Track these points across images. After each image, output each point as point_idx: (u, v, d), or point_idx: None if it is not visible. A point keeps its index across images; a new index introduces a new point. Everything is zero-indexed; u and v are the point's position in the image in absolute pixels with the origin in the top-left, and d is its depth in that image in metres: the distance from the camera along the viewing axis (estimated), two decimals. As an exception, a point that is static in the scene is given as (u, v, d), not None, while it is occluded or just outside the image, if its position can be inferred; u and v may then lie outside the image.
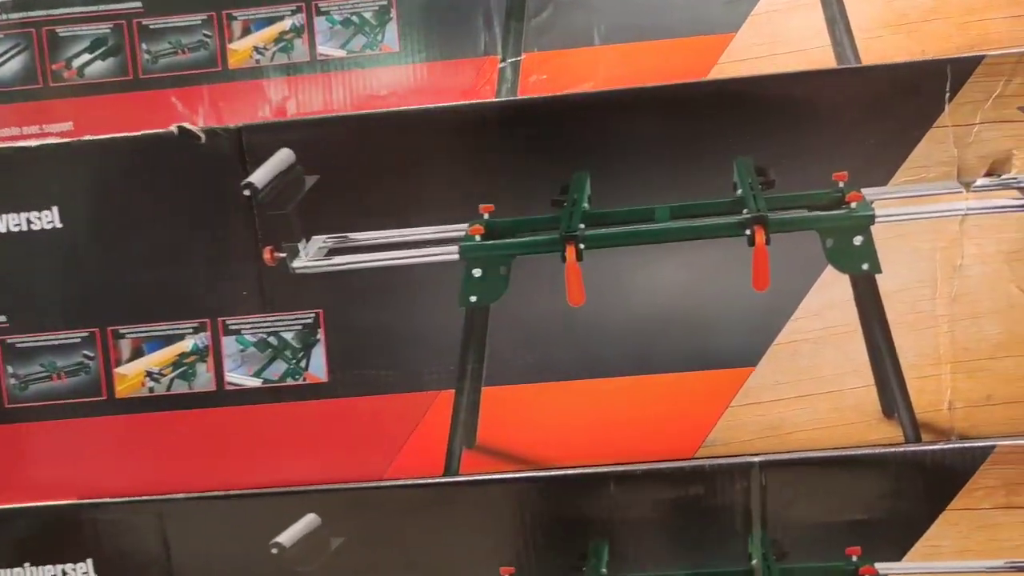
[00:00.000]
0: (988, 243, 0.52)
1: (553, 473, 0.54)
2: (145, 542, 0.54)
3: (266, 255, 0.53)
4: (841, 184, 0.52)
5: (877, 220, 0.52)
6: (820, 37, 0.61)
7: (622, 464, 0.53)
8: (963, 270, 0.52)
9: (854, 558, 0.53)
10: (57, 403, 0.54)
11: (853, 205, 0.52)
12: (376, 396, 0.54)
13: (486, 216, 0.53)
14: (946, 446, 0.52)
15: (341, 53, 0.64)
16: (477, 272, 0.53)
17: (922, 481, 0.52)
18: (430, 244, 0.53)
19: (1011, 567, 0.52)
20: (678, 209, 0.52)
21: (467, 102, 0.54)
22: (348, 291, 0.53)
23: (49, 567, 0.55)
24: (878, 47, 0.60)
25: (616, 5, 0.61)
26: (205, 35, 0.65)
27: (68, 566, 0.55)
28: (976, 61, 0.50)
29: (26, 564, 0.55)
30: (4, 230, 0.53)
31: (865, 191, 0.52)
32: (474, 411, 0.54)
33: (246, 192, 0.52)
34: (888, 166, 0.52)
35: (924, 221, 0.52)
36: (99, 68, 0.65)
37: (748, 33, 0.61)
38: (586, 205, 0.52)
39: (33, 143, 0.53)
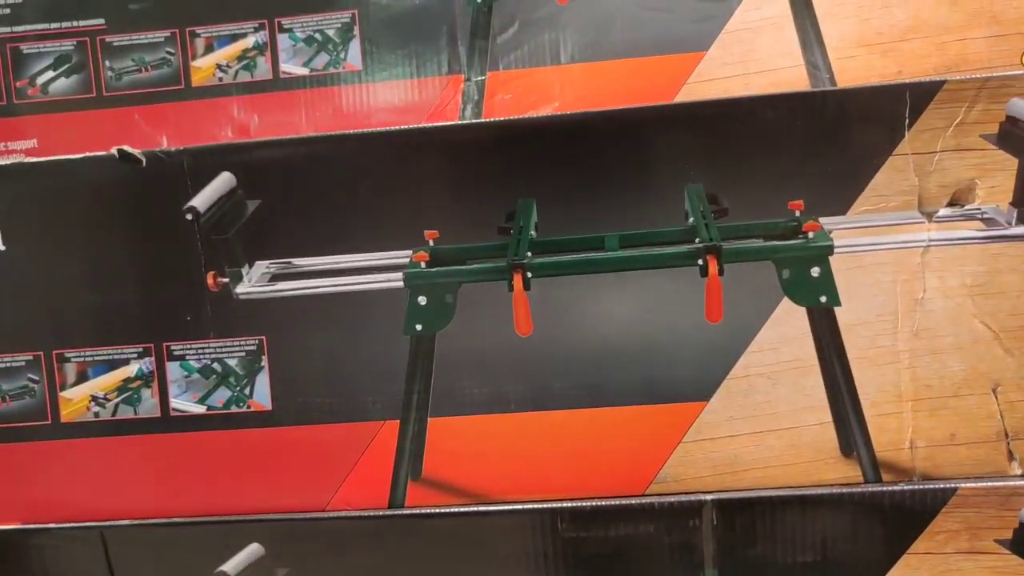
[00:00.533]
0: (951, 276, 0.50)
1: (501, 508, 0.53)
2: (90, 569, 0.54)
3: (209, 280, 0.53)
4: (798, 213, 0.51)
5: (836, 251, 0.51)
6: (793, 56, 0.60)
7: (571, 500, 0.52)
8: (925, 303, 0.51)
9: (811, 605, 0.51)
10: (2, 426, 0.54)
11: (810, 235, 0.51)
12: (321, 425, 0.54)
13: (431, 243, 0.52)
14: (906, 487, 0.51)
15: (304, 71, 0.64)
16: (422, 300, 0.52)
17: (881, 523, 0.51)
18: (375, 271, 0.52)
19: (974, 614, 0.50)
20: (628, 237, 0.51)
21: (409, 126, 0.53)
22: (292, 317, 0.53)
23: None
24: (853, 67, 0.59)
25: (583, 23, 0.61)
26: (168, 52, 0.65)
27: (20, 589, 0.55)
28: (937, 86, 0.49)
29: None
30: (-52, 252, 0.53)
31: (823, 220, 0.51)
32: (420, 442, 0.53)
33: (188, 216, 0.51)
34: (847, 195, 0.51)
35: (884, 252, 0.51)
36: (63, 85, 0.66)
37: (719, 52, 0.60)
38: (533, 232, 0.51)
39: (-21, 165, 0.54)
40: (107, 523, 0.55)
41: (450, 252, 0.52)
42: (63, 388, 0.54)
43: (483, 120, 0.54)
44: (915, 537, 0.51)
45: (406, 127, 0.54)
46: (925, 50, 0.59)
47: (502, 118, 0.56)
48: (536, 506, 0.53)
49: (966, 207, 0.50)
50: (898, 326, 0.51)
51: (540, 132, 0.52)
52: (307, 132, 0.63)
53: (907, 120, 0.50)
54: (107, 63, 0.65)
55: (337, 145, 0.53)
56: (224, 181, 0.52)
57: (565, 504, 0.52)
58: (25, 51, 0.65)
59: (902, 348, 0.51)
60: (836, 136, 0.50)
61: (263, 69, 0.64)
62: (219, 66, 0.65)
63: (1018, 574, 0.50)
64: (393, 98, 0.63)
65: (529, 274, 0.51)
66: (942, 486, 0.50)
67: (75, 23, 0.66)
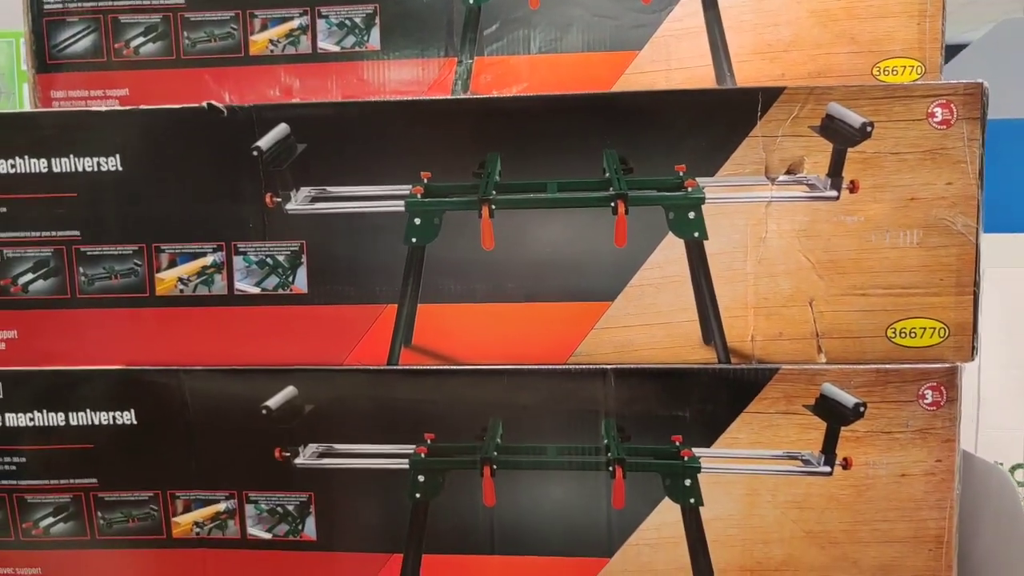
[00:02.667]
0: (785, 222, 0.74)
1: (466, 367, 0.77)
2: (171, 399, 0.78)
3: (267, 199, 0.76)
4: (681, 173, 0.74)
5: (706, 201, 0.74)
6: (705, 58, 0.83)
7: (514, 364, 0.76)
8: (766, 241, 0.74)
9: (677, 443, 0.76)
10: (113, 296, 0.78)
11: (689, 189, 0.74)
12: (341, 305, 0.77)
13: (425, 180, 0.75)
14: (746, 367, 0.75)
15: (336, 49, 0.86)
16: (417, 220, 0.76)
17: (726, 391, 0.75)
18: (385, 198, 0.76)
19: (787, 456, 0.75)
20: (564, 184, 0.75)
21: (413, 98, 0.76)
22: (325, 228, 0.76)
23: (104, 413, 0.79)
24: (748, 69, 0.82)
25: (549, 23, 0.83)
26: (233, 28, 0.87)
27: (117, 413, 0.79)
28: (780, 91, 0.72)
29: (87, 410, 0.79)
30: (82, 169, 0.76)
31: (699, 180, 0.74)
32: (411, 320, 0.77)
33: (254, 153, 0.75)
34: (715, 162, 0.74)
35: (740, 204, 0.74)
36: (151, 48, 0.88)
37: (649, 52, 0.82)
38: (498, 178, 0.75)
39: (104, 108, 0.77)
40: (184, 367, 0.78)
41: (439, 188, 0.76)
42: (158, 271, 0.78)
43: (470, 96, 0.77)
44: (749, 401, 0.75)
45: (413, 98, 0.77)
46: (802, 60, 0.81)
47: (483, 95, 0.79)
48: (491, 367, 0.77)
49: (797, 175, 0.74)
50: (747, 256, 0.74)
51: (510, 106, 0.75)
52: (337, 96, 0.85)
53: (759, 112, 0.73)
54: (185, 34, 0.87)
55: (363, 108, 0.76)
56: (281, 129, 0.75)
57: (510, 366, 0.77)
58: (123, 20, 0.87)
59: (749, 271, 0.75)
60: (710, 120, 0.73)
61: (305, 45, 0.86)
62: (271, 41, 0.87)
63: (816, 428, 0.74)
64: (403, 73, 0.85)
65: (493, 206, 0.75)
66: (768, 367, 0.75)
67: (162, 1, 0.88)
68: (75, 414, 0.79)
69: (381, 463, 0.78)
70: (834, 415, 0.73)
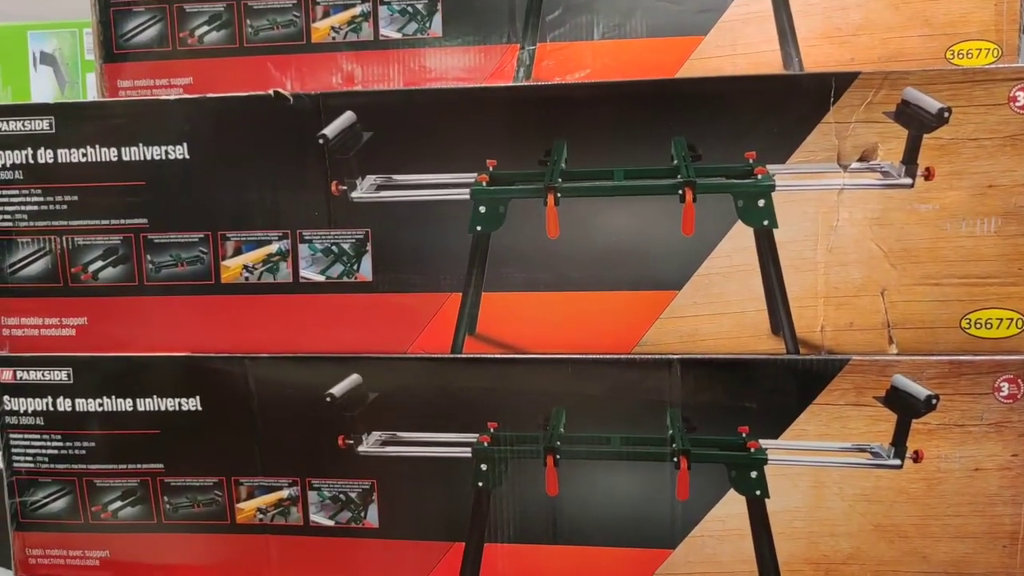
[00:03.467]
0: (857, 211, 0.73)
1: (529, 356, 0.77)
2: (235, 386, 0.79)
3: (333, 187, 0.77)
4: (751, 161, 0.73)
5: (777, 189, 0.73)
6: (771, 43, 0.82)
7: (580, 353, 0.76)
8: (837, 229, 0.73)
9: (744, 434, 0.75)
10: (179, 283, 0.79)
11: (759, 176, 0.73)
12: (406, 293, 0.78)
13: (491, 169, 0.76)
14: (815, 358, 0.74)
15: (398, 35, 0.86)
16: (482, 209, 0.76)
17: (795, 382, 0.74)
18: (450, 186, 0.76)
19: (856, 448, 0.74)
20: (631, 172, 0.75)
21: (478, 85, 0.76)
22: (390, 217, 0.77)
23: (170, 400, 0.80)
24: (816, 54, 0.81)
25: (612, 8, 0.82)
26: (295, 16, 0.88)
27: (182, 399, 0.80)
28: (854, 76, 0.71)
29: (154, 396, 0.80)
30: (150, 158, 0.77)
31: (769, 167, 0.73)
32: (476, 309, 0.77)
33: (320, 141, 0.75)
34: (786, 149, 0.73)
35: (811, 192, 0.73)
36: (214, 37, 0.89)
37: (715, 37, 0.81)
38: (564, 165, 0.75)
39: (172, 97, 0.78)
40: (250, 355, 0.79)
41: (504, 176, 0.76)
42: (223, 259, 0.79)
43: (535, 83, 0.77)
44: (818, 392, 0.74)
45: (478, 85, 0.77)
46: (872, 44, 0.80)
47: (547, 82, 0.78)
48: (555, 356, 0.77)
49: (870, 163, 0.73)
50: (817, 245, 0.74)
51: (575, 93, 0.75)
52: (399, 83, 0.86)
53: (832, 98, 0.72)
54: (248, 22, 0.88)
55: (429, 96, 0.76)
56: (347, 117, 0.76)
57: (576, 356, 0.77)
58: (188, 10, 0.88)
59: (819, 260, 0.74)
60: (781, 107, 0.73)
61: (367, 32, 0.86)
62: (333, 28, 0.87)
63: (886, 420, 0.74)
64: (465, 60, 0.85)
65: (559, 194, 0.75)
66: (838, 358, 0.74)
67: (228, -11, 0.89)
68: (142, 400, 0.80)
69: (444, 451, 0.78)
70: (905, 407, 0.72)
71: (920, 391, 0.72)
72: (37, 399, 0.81)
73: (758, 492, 0.75)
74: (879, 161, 0.72)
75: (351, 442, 0.79)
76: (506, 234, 0.76)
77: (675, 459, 0.76)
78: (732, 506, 0.76)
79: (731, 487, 0.76)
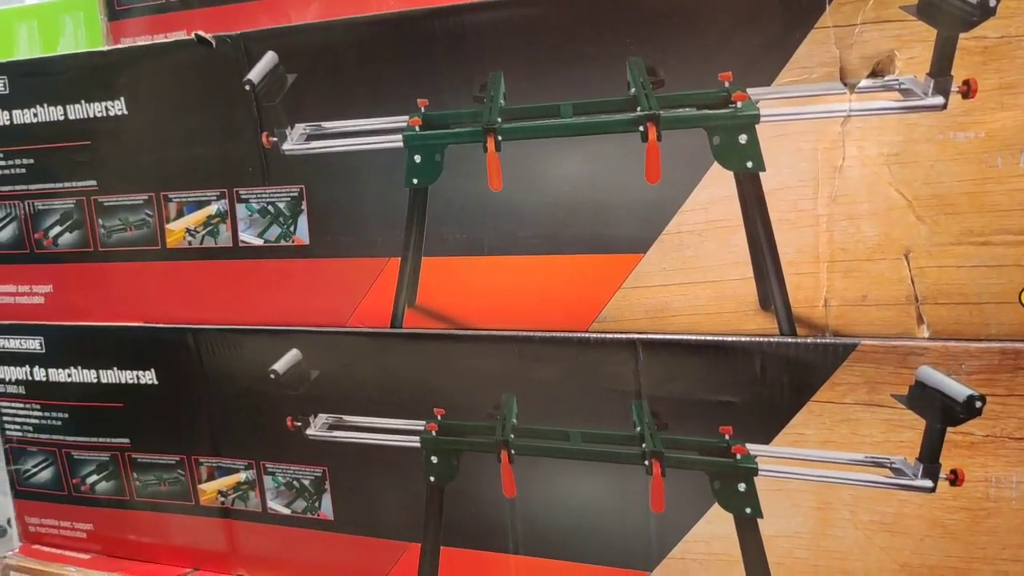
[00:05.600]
0: (869, 145, 0.55)
1: (472, 332, 0.66)
2: (186, 359, 0.75)
3: (263, 139, 0.69)
4: (727, 84, 0.58)
5: (761, 119, 0.57)
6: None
7: (528, 331, 0.64)
8: (844, 171, 0.56)
9: (727, 436, 0.60)
10: (129, 249, 0.75)
11: (739, 104, 0.57)
12: (344, 259, 0.69)
13: (423, 110, 0.65)
14: (809, 341, 0.57)
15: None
16: (417, 158, 0.65)
17: (788, 372, 0.58)
18: (381, 133, 0.66)
19: (870, 461, 0.57)
20: (580, 106, 0.61)
21: (395, 11, 0.65)
22: (323, 171, 0.68)
23: (128, 372, 0.77)
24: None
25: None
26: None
27: (140, 372, 0.76)
28: (856, -40, 0.53)
29: (114, 368, 0.77)
30: (92, 115, 0.74)
31: (750, 91, 0.57)
32: (415, 277, 0.67)
33: (246, 87, 0.68)
34: (772, 67, 0.57)
35: (807, 121, 0.56)
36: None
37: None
38: (502, 102, 0.63)
39: (104, 49, 0.73)
40: (196, 326, 0.74)
41: (438, 117, 0.65)
42: (168, 221, 0.74)
43: (459, 3, 0.64)
44: (818, 386, 0.58)
45: (393, 11, 0.65)
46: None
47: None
48: (501, 333, 0.65)
49: (886, 78, 0.55)
50: (818, 192, 0.57)
51: (508, 13, 0.62)
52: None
53: (828, -6, 0.55)
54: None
55: (347, 27, 0.66)
56: (270, 58, 0.68)
57: (522, 333, 0.64)
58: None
59: (821, 212, 0.57)
60: (761, 11, 0.56)
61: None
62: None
63: (910, 427, 0.56)
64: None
65: (499, 137, 0.63)
66: (843, 341, 0.57)
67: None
68: (104, 372, 0.78)
69: (392, 439, 0.69)
70: (937, 411, 0.54)
71: (958, 390, 0.53)
72: (16, 367, 0.81)
73: (748, 510, 0.60)
74: (897, 76, 0.54)
75: (299, 424, 0.71)
76: (445, 188, 0.65)
77: (646, 463, 0.61)
78: (718, 525, 0.61)
79: (715, 501, 0.61)
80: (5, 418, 0.83)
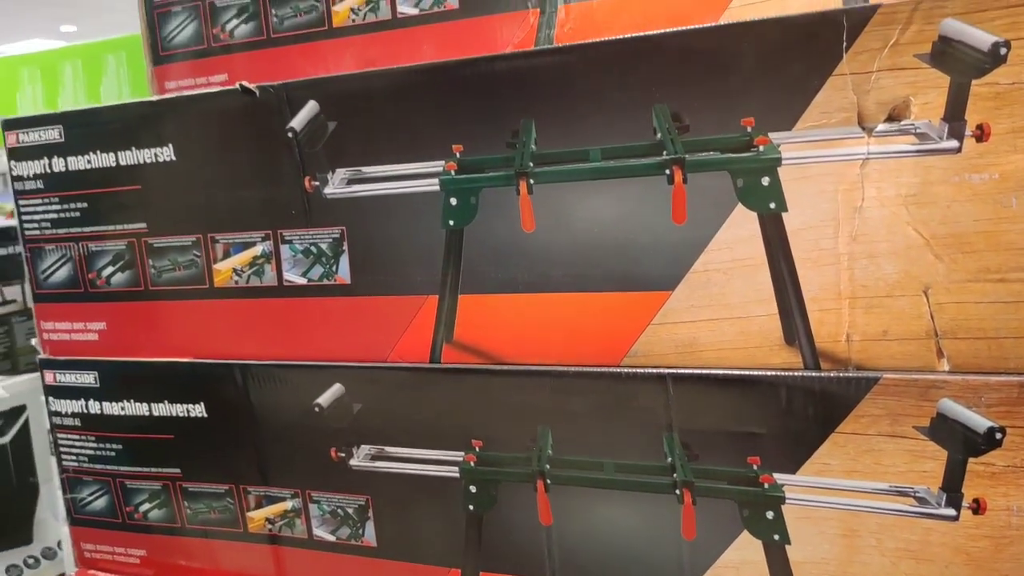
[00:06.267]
0: (887, 186, 0.58)
1: (507, 368, 0.69)
2: (234, 393, 0.78)
3: (306, 183, 0.73)
4: (749, 129, 0.61)
5: (783, 162, 0.60)
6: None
7: (561, 365, 0.67)
8: (863, 211, 0.59)
9: (755, 466, 0.63)
10: (178, 288, 0.79)
11: (761, 148, 0.60)
12: (383, 296, 0.73)
13: (457, 155, 0.68)
14: (832, 374, 0.60)
15: (415, 11, 0.81)
16: (453, 201, 0.69)
17: (813, 404, 0.61)
18: (418, 177, 0.70)
19: (894, 491, 0.59)
20: (608, 151, 0.64)
21: (436, 62, 0.69)
22: (363, 213, 0.72)
23: (179, 405, 0.81)
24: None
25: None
26: (315, 3, 0.85)
27: (189, 405, 0.80)
28: (872, 11, 0.56)
29: (165, 401, 0.81)
30: (142, 161, 0.78)
31: (772, 135, 0.60)
32: (452, 314, 0.71)
33: (289, 134, 0.72)
34: (792, 112, 0.59)
35: (827, 164, 0.59)
36: (243, 30, 0.89)
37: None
38: (534, 147, 0.66)
39: (153, 99, 0.78)
40: (244, 361, 0.78)
41: (473, 162, 0.68)
42: (215, 262, 0.78)
43: (483, 55, 0.68)
44: (842, 418, 0.60)
45: (436, 62, 0.69)
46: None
47: (512, 51, 0.69)
48: (535, 368, 0.68)
49: (902, 123, 0.57)
50: (838, 231, 0.60)
51: (534, 62, 0.65)
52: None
53: (845, 43, 0.57)
54: (273, 11, 0.87)
55: (383, 77, 0.70)
56: (311, 107, 0.72)
57: (556, 368, 0.67)
58: (218, 4, 0.88)
59: (842, 251, 0.60)
60: (781, 60, 0.59)
61: (384, 11, 0.82)
62: (352, 9, 0.83)
63: (933, 457, 0.58)
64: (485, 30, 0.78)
65: (531, 180, 0.66)
66: (866, 375, 0.59)
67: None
68: (156, 405, 0.82)
69: (431, 470, 0.72)
70: (958, 442, 0.57)
71: (979, 422, 0.56)
72: (73, 400, 0.85)
73: (776, 536, 0.63)
74: (913, 120, 0.56)
75: (343, 455, 0.75)
76: (480, 229, 0.68)
77: (677, 492, 0.64)
78: (748, 551, 0.64)
79: (744, 528, 0.63)
80: (62, 449, 0.87)
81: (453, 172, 0.68)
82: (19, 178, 0.83)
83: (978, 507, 0.57)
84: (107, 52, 1.21)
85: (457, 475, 0.72)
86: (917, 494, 0.59)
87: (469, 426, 0.71)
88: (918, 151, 0.56)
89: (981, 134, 0.55)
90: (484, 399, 0.70)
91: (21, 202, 0.83)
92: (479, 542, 0.73)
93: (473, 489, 0.71)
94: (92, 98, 1.20)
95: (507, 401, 0.69)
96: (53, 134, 0.81)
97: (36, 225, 0.83)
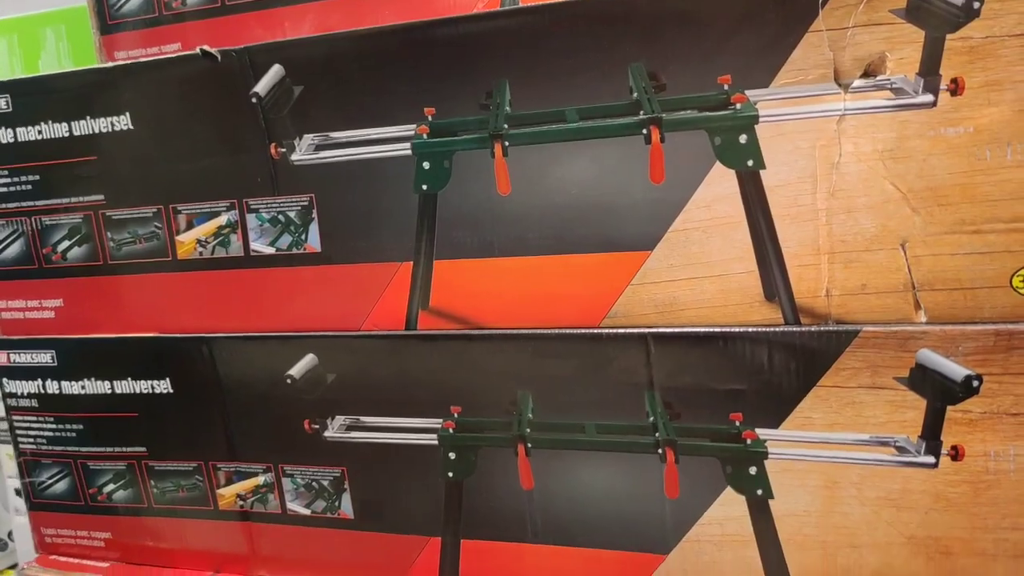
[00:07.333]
0: (864, 142, 0.59)
1: (487, 332, 0.69)
2: (201, 368, 0.78)
3: (272, 150, 0.72)
4: (726, 87, 0.61)
5: (760, 120, 0.61)
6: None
7: (540, 328, 0.68)
8: (840, 167, 0.60)
9: (737, 423, 0.64)
10: (140, 261, 0.78)
11: (738, 106, 0.61)
12: (356, 264, 0.72)
13: (430, 118, 0.68)
14: (813, 328, 0.61)
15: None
16: (426, 165, 0.69)
17: (794, 359, 0.62)
18: (389, 141, 0.69)
19: (875, 441, 0.61)
20: (584, 111, 0.65)
21: (399, 24, 0.68)
22: (333, 179, 0.71)
23: (143, 382, 0.80)
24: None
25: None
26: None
27: (154, 382, 0.79)
28: (847, -33, 0.57)
29: (128, 378, 0.80)
30: (98, 131, 0.76)
31: (749, 93, 0.61)
32: (428, 280, 0.71)
33: (253, 100, 0.71)
34: (769, 70, 0.60)
35: (804, 121, 0.60)
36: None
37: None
38: (508, 108, 0.66)
39: (109, 65, 0.76)
40: (210, 335, 0.77)
41: (445, 125, 0.68)
42: (177, 233, 0.77)
43: (472, 13, 0.67)
44: (823, 372, 0.62)
45: (398, 24, 0.68)
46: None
47: (485, 10, 0.69)
48: (515, 332, 0.69)
49: (878, 78, 0.59)
50: (816, 187, 0.61)
51: (507, 22, 0.65)
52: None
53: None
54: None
55: (350, 40, 0.69)
56: (276, 71, 0.71)
57: (537, 331, 0.68)
58: (166, -32, 0.86)
59: (820, 207, 0.61)
60: (756, 17, 0.60)
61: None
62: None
63: (912, 407, 0.60)
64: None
65: (506, 143, 0.67)
66: (846, 329, 0.61)
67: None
68: (119, 382, 0.80)
69: (409, 438, 0.72)
70: (937, 391, 0.59)
71: (956, 370, 0.58)
72: (29, 381, 0.83)
73: (759, 491, 0.65)
74: (888, 76, 0.58)
75: (317, 427, 0.75)
76: (454, 193, 0.68)
77: (660, 451, 0.65)
78: (731, 507, 0.66)
79: (727, 484, 0.65)
80: (18, 432, 0.86)
81: (425, 136, 0.68)
82: (-40, 150, 0.80)
83: (956, 454, 0.60)
84: (44, 25, 1.17)
85: (436, 443, 0.72)
86: (897, 443, 0.61)
87: (447, 393, 0.71)
88: (894, 106, 0.58)
89: (956, 88, 0.56)
90: (462, 365, 0.71)
91: (-37, 176, 0.81)
92: (459, 510, 0.73)
93: (452, 456, 0.72)
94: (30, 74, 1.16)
95: (486, 367, 0.70)
96: (0, 104, 0.78)
97: (-18, 200, 0.81)
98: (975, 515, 0.60)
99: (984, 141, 0.57)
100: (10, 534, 1.29)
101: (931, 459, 0.60)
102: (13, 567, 1.29)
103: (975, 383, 0.58)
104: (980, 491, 0.60)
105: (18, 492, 1.22)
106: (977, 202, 0.57)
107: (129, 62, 0.76)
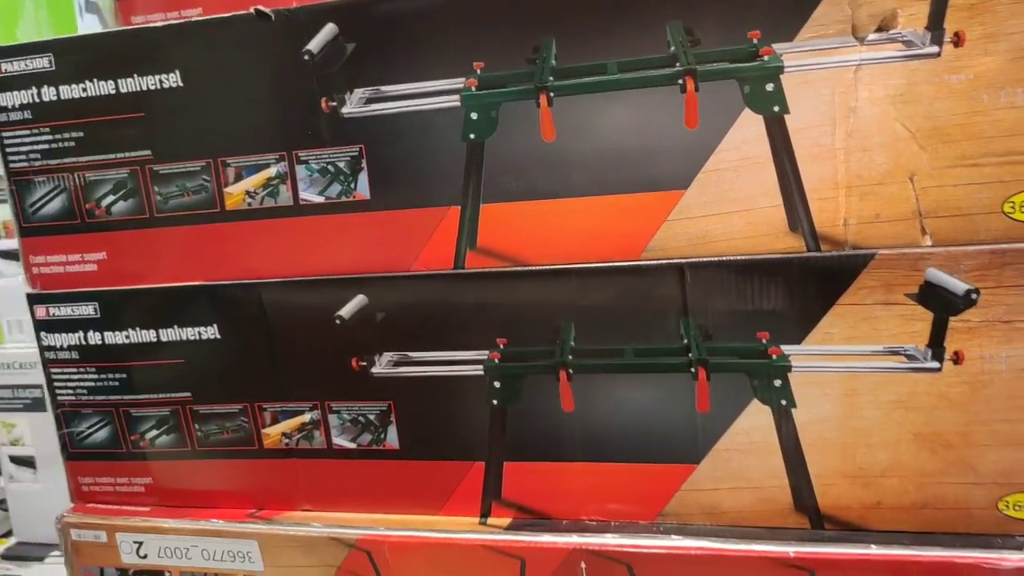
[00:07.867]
0: (877, 88, 0.68)
1: (532, 268, 0.76)
2: (250, 313, 0.83)
3: (323, 104, 0.77)
4: (755, 41, 0.70)
5: (785, 70, 0.69)
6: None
7: (582, 263, 0.75)
8: (857, 111, 0.69)
9: (764, 340, 0.73)
10: (187, 213, 0.83)
11: (766, 58, 0.69)
12: (405, 210, 0.78)
13: (478, 72, 0.74)
14: (836, 253, 0.70)
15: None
16: (474, 115, 0.75)
17: (815, 282, 0.71)
18: (439, 94, 0.76)
19: (887, 351, 0.71)
20: (625, 64, 0.72)
21: None
22: (383, 131, 0.77)
23: (189, 329, 0.84)
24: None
25: None
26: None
27: (202, 328, 0.84)
28: (865, -66, 0.66)
29: (175, 326, 0.84)
30: (146, 88, 0.80)
31: (775, 46, 0.69)
32: (475, 222, 0.77)
33: (306, 57, 0.76)
34: (793, 25, 0.69)
35: (824, 70, 0.69)
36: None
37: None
38: (553, 62, 0.73)
39: (160, 24, 0.80)
40: (260, 280, 0.82)
41: (493, 78, 0.75)
42: (226, 185, 0.82)
43: None
44: (842, 292, 0.71)
45: None
46: None
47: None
48: (559, 267, 0.76)
49: (890, 32, 0.68)
50: (835, 129, 0.70)
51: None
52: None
53: (841, -37, 0.67)
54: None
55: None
56: (329, 29, 0.76)
57: (580, 266, 0.76)
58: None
59: (838, 146, 0.70)
60: (784, -22, 0.68)
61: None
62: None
63: (921, 319, 0.69)
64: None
65: (551, 94, 0.74)
66: (862, 253, 0.70)
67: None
68: (164, 331, 0.85)
69: (456, 370, 0.79)
70: (941, 304, 0.68)
71: (958, 285, 0.67)
72: (70, 334, 0.87)
73: (783, 402, 0.73)
74: (900, 29, 0.66)
75: (364, 364, 0.81)
76: (500, 141, 0.75)
77: (693, 370, 0.74)
78: (757, 418, 0.74)
79: (754, 397, 0.73)
80: (56, 384, 0.89)
81: (474, 88, 0.75)
82: (2, 109, 0.83)
83: (957, 358, 0.69)
84: (23, -6, 1.18)
85: (482, 373, 0.79)
86: (907, 352, 0.70)
87: (494, 327, 0.78)
88: (904, 56, 0.67)
89: (958, 40, 0.66)
90: (508, 300, 0.78)
91: (5, 134, 0.84)
92: (503, 433, 0.80)
93: (497, 384, 0.79)
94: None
95: (530, 301, 0.77)
96: (43, 63, 0.82)
97: (24, 157, 0.84)
98: (972, 411, 0.70)
99: (982, 86, 0.66)
100: (3, 502, 1.31)
101: (936, 364, 0.70)
102: (7, 535, 1.31)
103: (974, 296, 0.68)
104: (976, 390, 0.70)
105: (12, 459, 1.24)
106: (975, 139, 0.67)
107: (182, 21, 0.80)
